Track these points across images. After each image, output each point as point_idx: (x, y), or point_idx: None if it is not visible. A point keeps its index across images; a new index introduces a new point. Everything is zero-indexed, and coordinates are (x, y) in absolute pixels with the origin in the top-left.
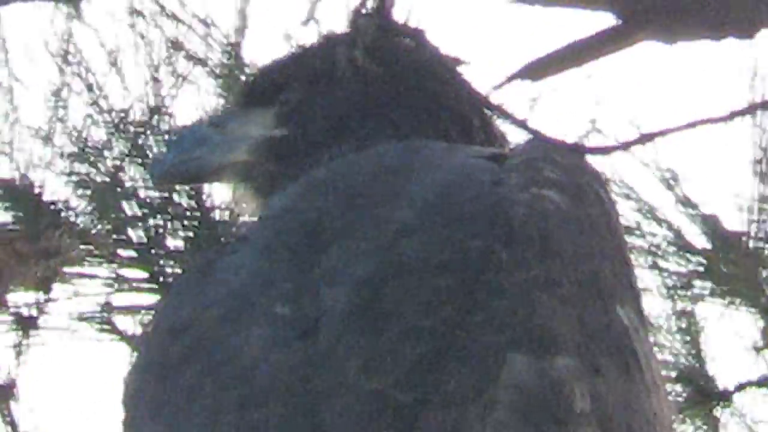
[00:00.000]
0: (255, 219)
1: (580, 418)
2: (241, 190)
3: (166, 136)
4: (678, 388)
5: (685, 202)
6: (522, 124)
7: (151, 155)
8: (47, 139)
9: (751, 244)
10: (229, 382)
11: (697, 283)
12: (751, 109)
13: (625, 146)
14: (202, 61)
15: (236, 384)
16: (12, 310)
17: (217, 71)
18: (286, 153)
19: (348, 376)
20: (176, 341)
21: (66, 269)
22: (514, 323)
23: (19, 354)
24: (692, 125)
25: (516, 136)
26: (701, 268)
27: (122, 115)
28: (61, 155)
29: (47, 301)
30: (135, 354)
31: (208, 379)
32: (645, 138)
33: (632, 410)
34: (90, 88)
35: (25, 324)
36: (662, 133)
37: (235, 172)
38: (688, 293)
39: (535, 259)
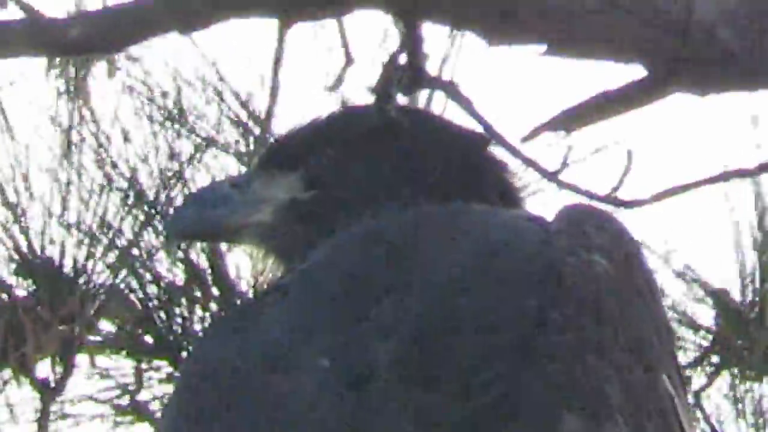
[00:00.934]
0: (290, 271)
1: None
2: (261, 251)
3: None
4: None
5: (689, 277)
6: (552, 177)
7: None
8: (62, 210)
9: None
10: (276, 430)
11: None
12: None
13: (658, 198)
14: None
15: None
16: (35, 376)
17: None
18: (314, 216)
19: (400, 429)
20: (213, 384)
21: (89, 338)
22: (567, 385)
23: (42, 422)
24: (724, 177)
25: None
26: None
27: (136, 185)
28: (78, 227)
29: (68, 368)
30: (172, 395)
31: (251, 425)
32: (677, 190)
33: None
34: (101, 161)
35: (48, 392)
36: (695, 185)
37: (257, 233)
38: (701, 369)
39: (587, 321)
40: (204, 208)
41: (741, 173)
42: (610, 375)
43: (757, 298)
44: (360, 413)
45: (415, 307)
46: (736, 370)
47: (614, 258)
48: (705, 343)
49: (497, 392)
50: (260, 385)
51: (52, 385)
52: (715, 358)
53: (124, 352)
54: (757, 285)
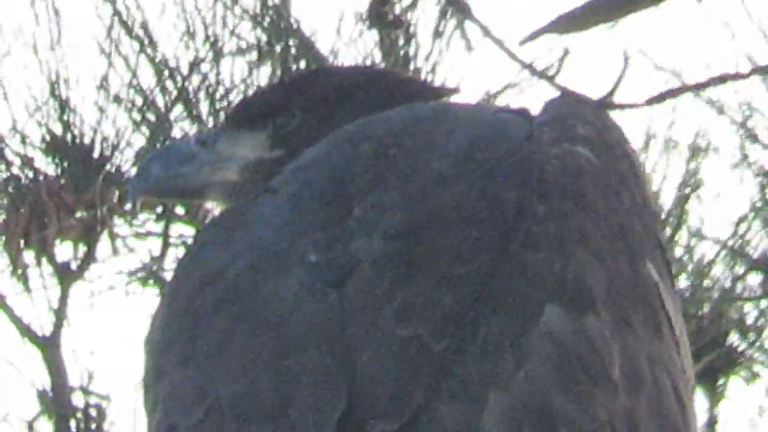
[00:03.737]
0: (282, 172)
1: (613, 385)
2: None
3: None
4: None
5: None
6: (549, 80)
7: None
8: (100, 88)
9: None
10: (263, 330)
11: None
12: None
13: (652, 101)
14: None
15: (271, 331)
16: (55, 261)
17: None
18: (280, 173)
19: (383, 323)
20: (206, 290)
21: (114, 226)
22: (548, 275)
23: (61, 304)
24: (719, 81)
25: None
26: None
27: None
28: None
29: (89, 253)
30: (161, 302)
31: (241, 326)
32: (671, 93)
33: (662, 365)
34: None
35: (68, 275)
36: (689, 89)
37: (223, 191)
38: None
39: (568, 212)
40: (169, 165)
41: (735, 77)
42: (592, 264)
43: None
44: (344, 309)
45: (398, 201)
46: None
47: (597, 148)
48: None
49: (479, 284)
50: (248, 287)
51: (73, 268)
52: None
53: (154, 217)
54: None
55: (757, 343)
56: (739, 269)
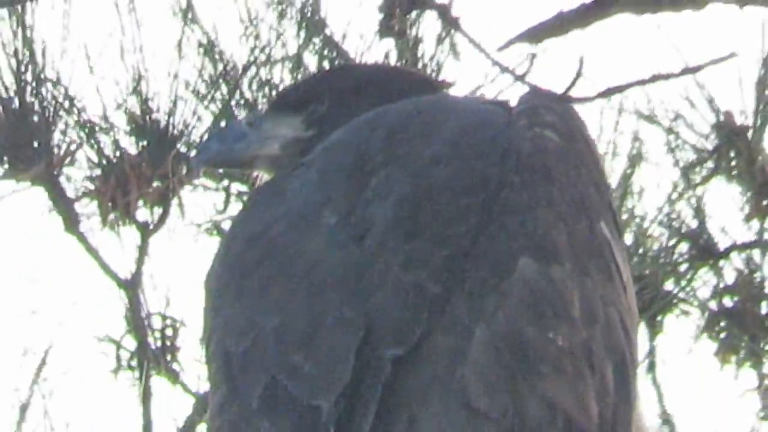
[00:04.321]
0: (314, 150)
1: (573, 320)
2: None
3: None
4: (683, 246)
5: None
6: (521, 79)
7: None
8: (174, 80)
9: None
10: (297, 277)
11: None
12: (693, 70)
13: (602, 95)
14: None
15: (303, 278)
16: (137, 220)
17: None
18: (312, 150)
19: (392, 271)
20: (253, 247)
21: (183, 190)
22: (522, 233)
23: (141, 253)
24: (654, 79)
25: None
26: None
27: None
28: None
29: (164, 214)
30: (218, 251)
31: (279, 274)
32: (617, 89)
33: (612, 304)
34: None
35: (146, 231)
36: (631, 86)
37: (267, 163)
38: (700, 170)
39: (539, 183)
40: (225, 142)
41: (667, 76)
42: (557, 224)
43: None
44: (362, 260)
45: (404, 176)
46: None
47: (561, 132)
48: (708, 147)
49: (467, 241)
50: (286, 243)
51: (151, 226)
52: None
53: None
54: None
55: (688, 288)
56: (672, 241)
